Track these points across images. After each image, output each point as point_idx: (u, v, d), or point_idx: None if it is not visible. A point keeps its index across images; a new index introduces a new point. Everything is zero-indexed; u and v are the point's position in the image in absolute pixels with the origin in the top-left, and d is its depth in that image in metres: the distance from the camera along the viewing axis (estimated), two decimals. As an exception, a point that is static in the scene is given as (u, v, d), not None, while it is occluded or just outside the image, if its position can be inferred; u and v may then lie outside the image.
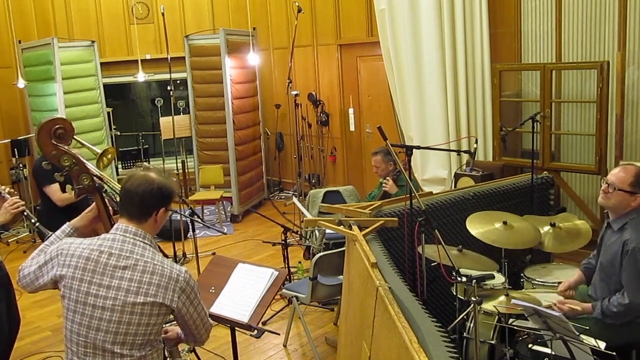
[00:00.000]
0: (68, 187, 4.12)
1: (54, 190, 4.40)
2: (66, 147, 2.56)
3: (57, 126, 2.53)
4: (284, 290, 4.20)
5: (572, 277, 3.30)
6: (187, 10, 8.79)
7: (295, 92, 7.38)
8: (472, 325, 3.04)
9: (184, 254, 5.90)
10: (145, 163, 8.29)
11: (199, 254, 5.29)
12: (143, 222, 2.09)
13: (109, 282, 2.00)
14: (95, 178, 2.58)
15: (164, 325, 2.17)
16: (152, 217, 2.10)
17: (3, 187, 3.26)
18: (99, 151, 2.86)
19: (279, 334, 4.21)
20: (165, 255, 4.10)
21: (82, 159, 2.57)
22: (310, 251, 5.24)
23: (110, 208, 2.56)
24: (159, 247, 3.79)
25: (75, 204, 3.92)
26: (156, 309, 2.01)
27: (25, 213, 3.17)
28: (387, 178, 4.72)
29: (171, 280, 2.02)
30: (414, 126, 6.05)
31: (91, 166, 2.62)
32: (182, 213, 4.91)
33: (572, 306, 3.01)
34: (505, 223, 3.44)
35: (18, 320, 3.77)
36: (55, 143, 2.50)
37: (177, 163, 8.54)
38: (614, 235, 3.04)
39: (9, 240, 6.92)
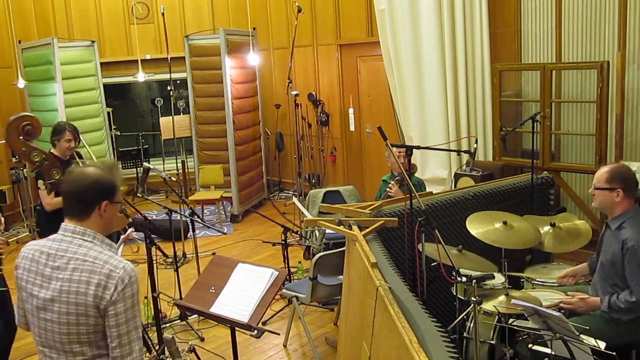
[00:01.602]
0: (40, 182, 4.08)
1: (42, 194, 4.34)
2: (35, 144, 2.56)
3: (25, 123, 2.54)
4: (284, 290, 4.20)
5: (576, 266, 3.33)
6: (187, 10, 8.79)
7: (295, 92, 7.38)
8: (472, 325, 3.04)
9: (184, 254, 5.90)
10: (145, 163, 8.27)
11: (199, 254, 5.30)
12: (85, 219, 1.99)
13: (46, 283, 1.95)
14: None
15: None
16: (95, 213, 1.99)
17: None
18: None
19: (279, 334, 4.21)
20: (165, 255, 4.12)
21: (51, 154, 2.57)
22: (310, 251, 5.24)
23: None
24: (159, 247, 3.81)
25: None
26: (90, 309, 1.90)
27: None
28: (392, 183, 4.70)
29: (102, 277, 1.90)
30: (414, 126, 6.05)
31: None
32: (182, 213, 4.92)
33: (581, 296, 3.04)
34: (505, 223, 3.44)
35: (14, 318, 3.74)
36: (24, 140, 2.51)
37: (177, 163, 8.54)
38: (612, 234, 3.06)
39: (9, 240, 6.91)
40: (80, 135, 4.50)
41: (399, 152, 4.36)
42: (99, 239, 2.01)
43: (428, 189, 5.17)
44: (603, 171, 3.06)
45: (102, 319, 1.91)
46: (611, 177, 3.00)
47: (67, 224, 2.01)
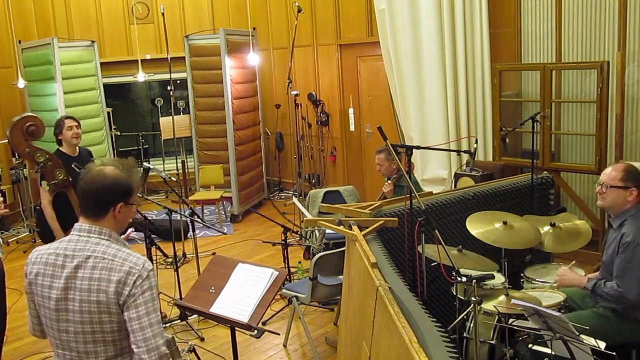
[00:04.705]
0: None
1: (43, 195, 4.27)
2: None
3: (29, 123, 2.55)
4: (284, 290, 4.20)
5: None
6: (187, 10, 8.79)
7: (295, 92, 7.39)
8: (472, 325, 3.04)
9: (184, 254, 5.90)
10: (145, 163, 8.28)
11: (199, 254, 5.30)
12: (100, 219, 2.00)
13: (65, 284, 1.94)
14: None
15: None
16: (110, 213, 2.00)
17: None
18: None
19: (279, 334, 4.21)
20: (165, 255, 4.12)
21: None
22: (310, 251, 5.24)
23: None
24: (159, 246, 3.80)
25: (64, 206, 3.82)
26: (112, 307, 1.91)
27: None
28: (388, 181, 4.71)
29: (122, 274, 1.91)
30: (414, 126, 6.05)
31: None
32: (182, 213, 4.92)
33: (572, 267, 3.16)
34: (505, 223, 3.44)
35: (5, 313, 3.73)
36: (28, 140, 2.51)
37: (177, 163, 8.54)
38: (614, 232, 3.09)
39: (9, 240, 6.92)
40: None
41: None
42: (115, 237, 2.02)
43: (428, 189, 5.18)
44: (615, 170, 3.05)
45: (123, 315, 1.92)
46: (627, 176, 3.01)
47: (82, 224, 2.01)
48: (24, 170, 7.45)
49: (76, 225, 2.02)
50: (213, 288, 2.92)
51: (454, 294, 3.24)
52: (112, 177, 2.00)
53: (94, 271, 1.93)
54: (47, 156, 2.50)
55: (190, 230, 5.16)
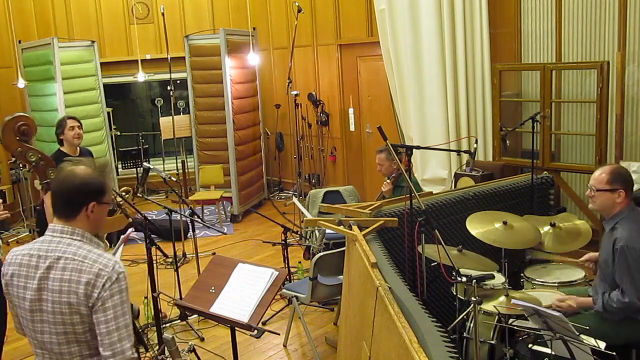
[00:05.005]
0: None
1: (43, 194, 4.30)
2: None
3: (21, 123, 2.55)
4: (284, 290, 4.20)
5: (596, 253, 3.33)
6: (187, 10, 8.79)
7: (295, 92, 7.38)
8: (472, 325, 3.04)
9: (184, 254, 5.90)
10: (145, 163, 8.27)
11: (199, 254, 5.30)
12: (72, 220, 1.98)
13: (38, 284, 1.93)
14: None
15: None
16: (83, 213, 1.98)
17: None
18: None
19: (279, 334, 4.21)
20: (165, 255, 4.12)
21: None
22: (310, 251, 5.24)
23: None
24: (159, 246, 3.80)
25: None
26: (82, 308, 1.90)
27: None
28: (387, 180, 4.71)
29: (91, 276, 1.89)
30: (414, 126, 6.05)
31: None
32: (182, 213, 4.91)
33: (570, 303, 3.05)
34: (505, 223, 3.44)
35: (4, 313, 3.73)
36: (20, 140, 2.51)
37: (177, 163, 8.54)
38: (606, 235, 3.08)
39: (9, 241, 6.91)
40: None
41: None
42: (88, 237, 2.00)
43: (428, 189, 5.18)
44: (602, 173, 3.04)
45: (92, 317, 1.91)
46: (612, 178, 3.00)
47: (55, 225, 2.00)
48: (24, 170, 7.45)
49: (50, 226, 2.01)
50: (213, 288, 2.92)
51: (454, 294, 3.24)
52: (82, 176, 1.97)
53: (65, 272, 1.91)
54: (40, 155, 2.51)
55: (190, 230, 5.16)
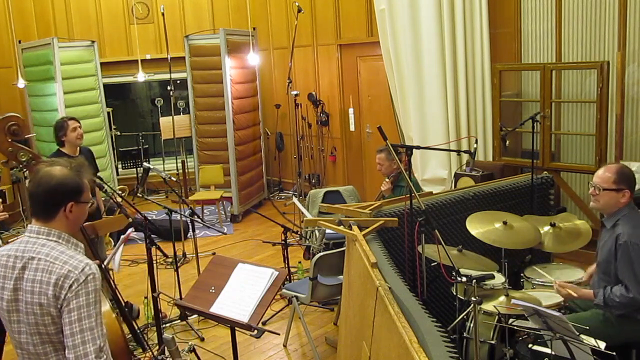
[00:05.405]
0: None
1: None
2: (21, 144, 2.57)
3: (11, 123, 2.56)
4: (284, 290, 4.20)
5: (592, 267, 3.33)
6: (187, 10, 8.79)
7: (295, 92, 7.38)
8: (472, 325, 3.04)
9: (184, 254, 5.90)
10: (145, 163, 8.27)
11: (199, 254, 5.30)
12: (50, 220, 1.97)
13: (14, 285, 1.93)
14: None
15: None
16: (61, 214, 1.97)
17: None
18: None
19: (279, 334, 4.21)
20: (165, 255, 4.12)
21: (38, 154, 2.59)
22: (310, 251, 5.24)
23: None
24: (159, 246, 3.80)
25: None
26: (52, 309, 1.89)
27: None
28: (387, 179, 4.72)
29: (60, 277, 1.87)
30: (414, 126, 6.05)
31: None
32: (182, 213, 4.92)
33: (570, 291, 3.05)
34: (505, 223, 3.44)
35: None
36: (10, 140, 2.52)
37: (177, 163, 8.55)
38: (607, 233, 3.08)
39: (9, 241, 6.90)
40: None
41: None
42: (64, 238, 1.99)
43: (428, 189, 5.18)
44: (608, 172, 3.03)
45: (59, 318, 1.90)
46: (619, 179, 2.99)
47: (32, 226, 1.99)
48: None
49: (28, 227, 2.00)
50: (213, 288, 2.92)
51: (454, 294, 3.24)
52: (58, 177, 1.96)
53: (37, 273, 1.91)
54: (31, 155, 2.51)
55: (190, 230, 5.16)
